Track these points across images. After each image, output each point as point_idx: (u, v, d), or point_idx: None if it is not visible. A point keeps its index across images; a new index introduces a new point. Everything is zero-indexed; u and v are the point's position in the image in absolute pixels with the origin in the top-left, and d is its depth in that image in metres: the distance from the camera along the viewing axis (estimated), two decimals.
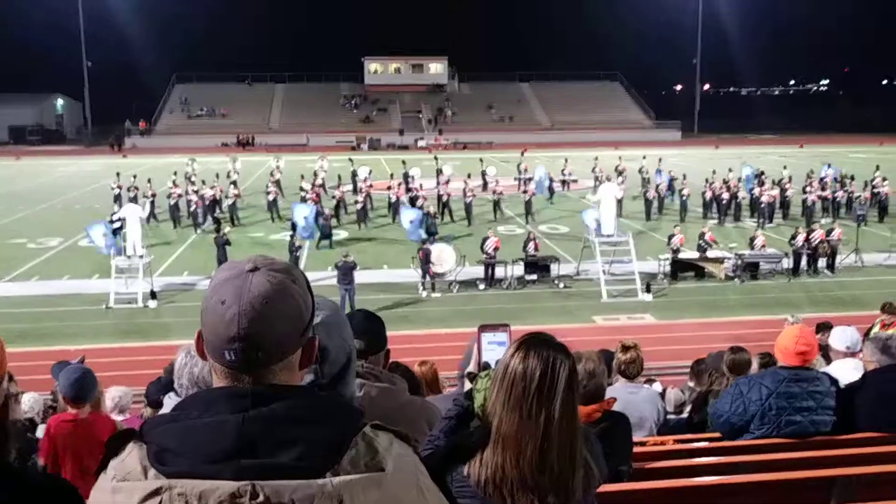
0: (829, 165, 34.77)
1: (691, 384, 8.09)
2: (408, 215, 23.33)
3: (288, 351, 1.43)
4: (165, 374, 5.20)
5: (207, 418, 1.34)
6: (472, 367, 2.68)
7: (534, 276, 20.08)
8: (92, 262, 22.28)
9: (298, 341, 1.44)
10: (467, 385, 2.50)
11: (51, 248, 24.90)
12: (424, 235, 22.51)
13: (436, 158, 38.80)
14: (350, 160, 37.76)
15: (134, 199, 27.53)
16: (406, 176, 33.25)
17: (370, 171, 33.39)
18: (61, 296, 19.34)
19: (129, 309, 18.27)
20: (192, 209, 28.28)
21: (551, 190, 33.64)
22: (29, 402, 6.64)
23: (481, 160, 37.89)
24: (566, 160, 37.50)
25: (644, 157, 34.85)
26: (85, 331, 16.74)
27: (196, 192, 28.83)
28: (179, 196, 28.48)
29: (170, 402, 2.60)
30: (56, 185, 40.76)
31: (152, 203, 28.57)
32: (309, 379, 1.79)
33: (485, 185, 34.48)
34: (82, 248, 24.83)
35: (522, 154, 38.89)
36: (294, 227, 22.57)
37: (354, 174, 33.74)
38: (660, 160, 34.97)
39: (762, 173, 32.14)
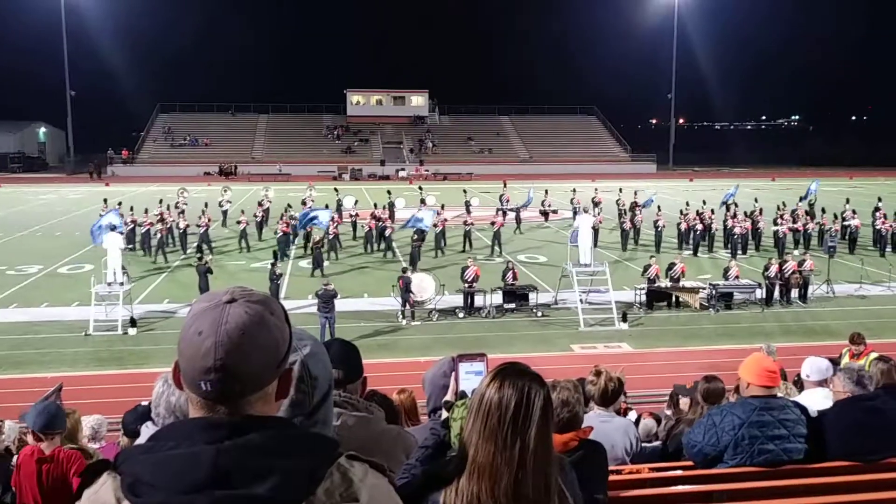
0: (815, 182, 35.58)
1: (668, 412, 8.14)
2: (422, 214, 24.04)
3: (264, 382, 1.43)
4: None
5: (182, 449, 1.33)
6: (449, 396, 2.70)
7: (512, 305, 20.16)
8: (71, 289, 22.05)
9: (275, 372, 1.45)
10: (444, 414, 2.52)
11: (30, 276, 24.55)
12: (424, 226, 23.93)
13: (420, 188, 38.89)
14: (335, 189, 37.80)
15: (113, 228, 27.21)
16: (391, 206, 33.32)
17: (356, 201, 33.49)
18: (40, 323, 19.11)
19: (109, 336, 18.06)
20: (159, 237, 27.70)
21: (518, 220, 33.89)
22: (6, 431, 6.52)
23: (465, 191, 38.11)
24: (546, 191, 37.79)
25: (620, 191, 35.24)
26: (63, 358, 16.54)
27: (161, 219, 28.56)
28: (151, 224, 28.11)
29: (147, 431, 2.58)
30: (37, 213, 40.34)
31: (133, 231, 28.37)
32: (292, 411, 1.80)
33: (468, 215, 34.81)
34: (62, 275, 24.62)
35: (505, 185, 39.10)
36: (277, 250, 22.58)
37: (340, 203, 33.79)
38: (654, 194, 35.54)
39: (735, 205, 32.62)
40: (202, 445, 1.33)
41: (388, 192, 35.98)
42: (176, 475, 1.30)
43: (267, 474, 1.31)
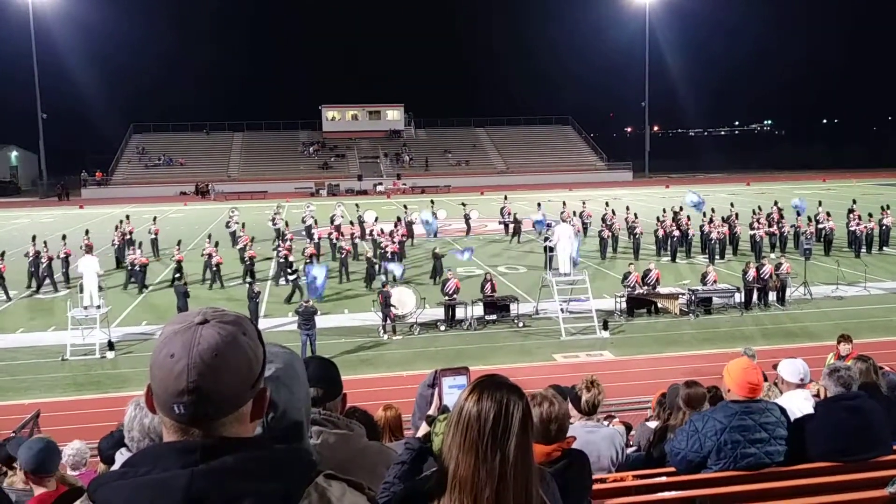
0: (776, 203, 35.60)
1: (652, 425, 8.13)
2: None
3: (239, 403, 1.41)
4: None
5: (156, 474, 1.31)
6: (432, 411, 2.69)
7: (494, 316, 20.18)
8: (47, 314, 21.78)
9: (249, 393, 1.43)
10: (423, 429, 2.51)
11: (4, 301, 24.16)
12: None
13: (431, 202, 38.86)
14: (356, 206, 37.55)
15: (89, 250, 26.92)
16: (409, 224, 33.29)
17: (376, 218, 33.34)
18: (16, 349, 18.81)
19: (87, 360, 17.80)
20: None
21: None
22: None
23: (463, 204, 38.18)
24: (539, 204, 37.45)
25: (607, 204, 35.00)
26: (40, 384, 16.29)
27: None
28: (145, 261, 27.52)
29: (121, 457, 2.53)
30: (9, 238, 39.66)
31: (122, 247, 28.43)
32: (257, 432, 1.76)
33: (468, 230, 34.98)
34: (37, 300, 24.24)
35: (506, 198, 39.11)
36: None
37: (361, 219, 33.71)
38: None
39: (713, 210, 32.78)
40: (176, 470, 1.31)
41: (405, 207, 36.02)
42: (150, 501, 1.29)
43: (242, 497, 1.29)
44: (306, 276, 21.63)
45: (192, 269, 26.31)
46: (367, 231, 31.19)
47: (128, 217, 32.72)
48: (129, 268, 25.53)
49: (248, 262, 25.84)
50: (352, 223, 32.68)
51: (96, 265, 20.28)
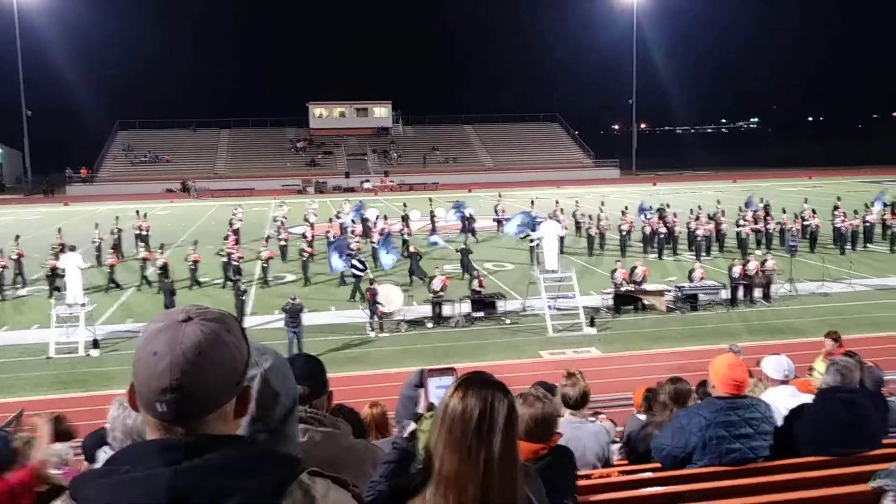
0: (762, 200, 35.92)
1: (642, 417, 8.17)
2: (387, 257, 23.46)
3: (222, 401, 1.40)
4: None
5: (138, 472, 1.30)
6: (421, 409, 2.68)
7: (481, 314, 20.19)
8: (31, 312, 21.54)
9: (233, 391, 1.42)
10: (410, 427, 2.50)
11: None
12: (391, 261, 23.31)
13: (430, 200, 38.79)
14: (360, 202, 37.37)
15: (72, 248, 26.66)
16: (406, 218, 33.11)
17: (377, 216, 33.28)
18: None
19: (71, 358, 17.65)
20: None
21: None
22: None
23: (463, 202, 38.15)
24: (532, 202, 37.29)
25: (602, 203, 34.87)
26: (24, 383, 16.16)
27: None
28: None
29: (104, 456, 2.52)
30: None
31: (99, 248, 28.36)
32: (254, 427, 1.77)
33: (464, 228, 35.00)
34: (21, 297, 23.99)
35: (500, 196, 38.90)
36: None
37: (364, 217, 33.59)
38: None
39: (699, 207, 32.99)
40: (159, 468, 1.30)
41: (405, 205, 35.90)
42: (132, 499, 1.28)
43: (227, 494, 1.29)
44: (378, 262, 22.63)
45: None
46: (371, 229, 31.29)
47: (138, 213, 33.26)
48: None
49: (191, 266, 24.62)
50: (354, 221, 32.66)
51: (80, 261, 20.09)
